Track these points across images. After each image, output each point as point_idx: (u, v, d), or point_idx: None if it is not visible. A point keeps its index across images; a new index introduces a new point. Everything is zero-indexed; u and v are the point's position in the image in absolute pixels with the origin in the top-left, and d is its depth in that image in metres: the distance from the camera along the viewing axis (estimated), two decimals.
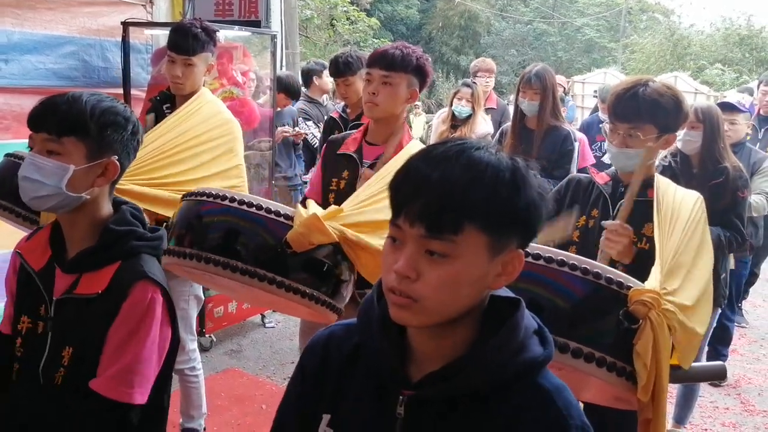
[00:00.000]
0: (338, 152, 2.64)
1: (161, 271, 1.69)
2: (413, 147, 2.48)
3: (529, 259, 1.81)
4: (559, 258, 1.79)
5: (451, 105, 5.07)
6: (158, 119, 3.06)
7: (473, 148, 1.02)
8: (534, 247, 1.84)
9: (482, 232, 1.00)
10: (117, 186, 2.48)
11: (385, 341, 1.10)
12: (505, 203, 1.00)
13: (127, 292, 1.57)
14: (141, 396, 1.58)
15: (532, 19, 28.63)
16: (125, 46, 4.26)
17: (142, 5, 4.52)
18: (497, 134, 4.32)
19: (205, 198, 2.20)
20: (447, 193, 0.98)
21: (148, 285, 1.60)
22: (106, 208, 1.67)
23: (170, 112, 3.02)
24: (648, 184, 2.20)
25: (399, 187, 1.03)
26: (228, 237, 2.14)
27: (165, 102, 3.10)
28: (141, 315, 1.58)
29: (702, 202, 2.21)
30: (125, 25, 4.24)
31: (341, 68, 4.02)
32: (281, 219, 2.10)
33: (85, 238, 1.63)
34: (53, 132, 1.55)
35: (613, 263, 2.16)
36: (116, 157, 1.61)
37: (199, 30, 2.94)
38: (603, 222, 2.20)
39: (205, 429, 3.34)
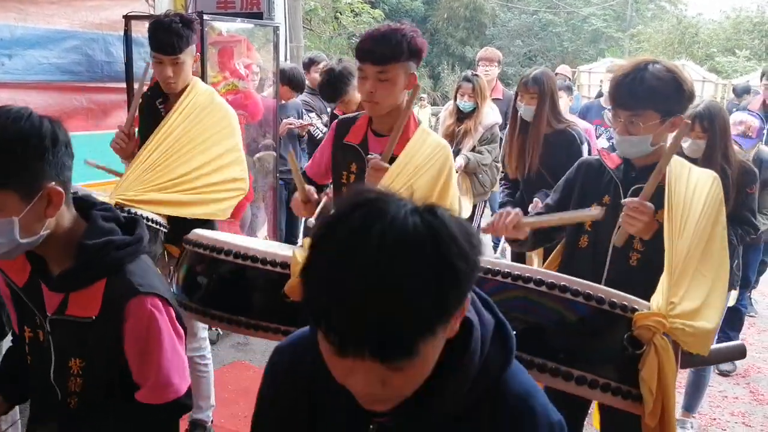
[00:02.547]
0: (345, 140, 2.55)
1: (148, 269, 1.60)
2: (420, 138, 2.40)
3: (531, 285, 1.81)
4: (561, 284, 1.79)
5: (455, 99, 5.06)
6: (152, 115, 3.07)
7: (378, 225, 0.89)
8: (536, 271, 1.85)
9: (437, 331, 0.92)
10: (137, 197, 2.55)
11: None
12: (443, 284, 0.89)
13: (124, 315, 1.51)
14: (185, 383, 1.62)
15: (538, 9, 28.44)
16: (128, 40, 4.24)
17: None
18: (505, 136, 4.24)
19: (202, 251, 2.12)
20: (389, 319, 0.86)
21: (142, 299, 1.52)
22: (73, 223, 1.53)
23: (163, 107, 3.04)
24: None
25: (322, 305, 0.91)
26: (231, 290, 2.09)
27: (157, 97, 3.10)
28: (147, 332, 1.54)
29: (719, 182, 2.15)
30: (127, 18, 4.23)
31: (336, 92, 4.12)
32: (277, 269, 2.00)
33: (63, 256, 1.52)
34: None
35: (632, 239, 2.14)
36: (53, 182, 1.42)
37: (180, 26, 2.90)
38: (624, 200, 2.13)
39: (212, 421, 3.35)
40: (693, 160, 3.22)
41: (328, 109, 5.38)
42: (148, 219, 2.70)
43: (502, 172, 4.29)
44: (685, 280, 1.90)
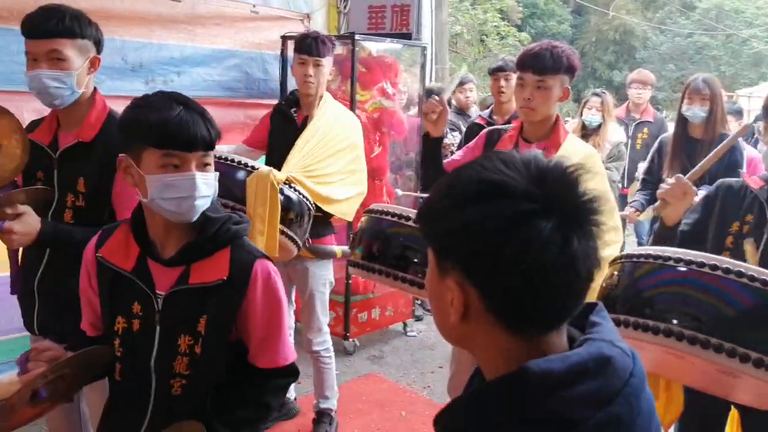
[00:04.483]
0: (496, 148, 2.64)
1: (252, 244, 1.80)
2: (571, 145, 2.52)
3: (706, 269, 1.72)
4: (737, 269, 1.67)
5: (581, 115, 4.97)
6: (288, 121, 3.36)
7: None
8: (710, 257, 1.74)
9: None
10: (301, 179, 3.04)
11: None
12: None
13: (252, 275, 1.67)
14: (293, 354, 1.79)
15: (693, 32, 27.07)
16: (284, 59, 4.48)
17: (300, 20, 4.73)
18: (656, 144, 4.13)
19: (384, 216, 2.22)
20: None
21: (264, 262, 1.71)
22: None
23: (297, 115, 3.34)
24: None
25: None
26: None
27: (292, 106, 3.39)
28: (272, 290, 1.71)
29: None
30: (284, 38, 4.47)
31: (507, 66, 4.30)
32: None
33: (185, 229, 1.67)
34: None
35: None
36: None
37: (324, 37, 3.28)
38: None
39: (335, 411, 3.52)
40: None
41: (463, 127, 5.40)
42: (308, 199, 3.01)
43: (644, 177, 4.23)
44: None
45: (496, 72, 4.38)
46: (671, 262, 1.77)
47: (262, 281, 1.69)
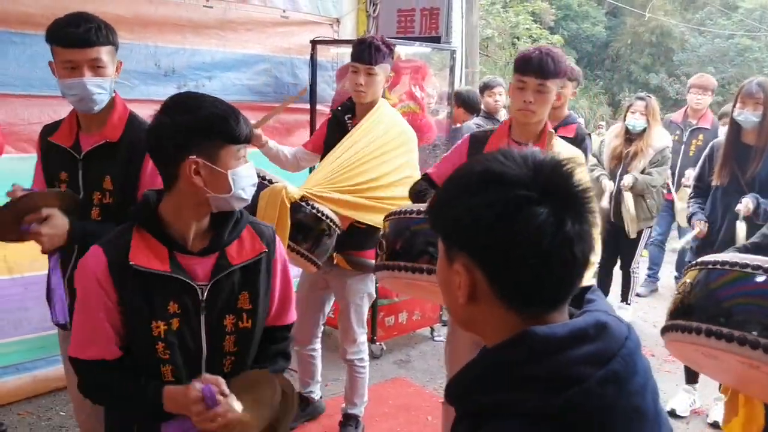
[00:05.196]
0: (485, 151, 2.64)
1: None
2: (558, 145, 2.62)
3: None
4: None
5: (625, 119, 4.89)
6: (340, 128, 3.26)
7: None
8: None
9: None
10: (322, 194, 2.98)
11: None
12: None
13: (275, 246, 1.89)
14: (294, 314, 2.03)
15: (735, 33, 26.52)
16: (313, 64, 4.52)
17: (329, 24, 4.77)
18: (707, 149, 4.01)
19: (404, 215, 2.34)
20: None
21: (275, 233, 1.93)
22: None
23: (350, 122, 3.23)
24: None
25: None
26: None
27: (347, 112, 3.30)
28: (283, 254, 1.94)
29: None
30: (314, 43, 4.50)
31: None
32: None
33: (207, 220, 1.78)
34: None
35: None
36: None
37: (380, 43, 3.12)
38: None
39: (362, 417, 3.54)
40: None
41: None
42: (327, 216, 2.95)
43: (696, 184, 4.06)
44: None
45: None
46: (749, 270, 1.76)
47: (279, 247, 1.91)
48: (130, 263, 1.67)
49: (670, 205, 5.74)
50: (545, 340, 0.93)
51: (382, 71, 3.15)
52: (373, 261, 3.24)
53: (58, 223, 2.14)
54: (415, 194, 2.77)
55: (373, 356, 4.59)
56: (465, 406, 1.03)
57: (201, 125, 1.65)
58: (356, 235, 3.11)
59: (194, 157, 1.65)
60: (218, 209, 1.76)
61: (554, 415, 0.90)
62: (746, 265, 1.76)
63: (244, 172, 1.73)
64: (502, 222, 0.94)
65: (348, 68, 3.29)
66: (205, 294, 1.75)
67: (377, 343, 4.62)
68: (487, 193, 0.96)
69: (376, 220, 3.02)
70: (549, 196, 0.94)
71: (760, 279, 1.73)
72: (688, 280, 1.88)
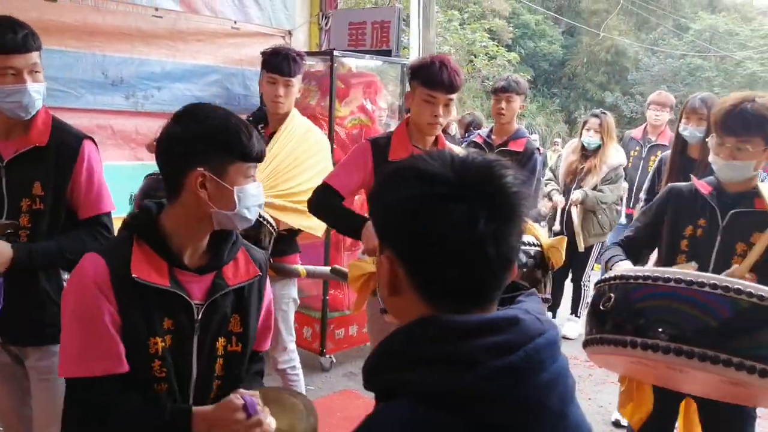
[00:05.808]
0: (391, 159, 2.72)
1: None
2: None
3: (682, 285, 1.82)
4: (712, 282, 1.78)
5: (581, 135, 4.98)
6: None
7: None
8: (687, 273, 1.85)
9: None
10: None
11: None
12: None
13: (266, 273, 1.85)
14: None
15: (686, 53, 27.28)
16: None
17: (281, 36, 4.77)
18: (656, 162, 4.10)
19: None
20: None
21: (268, 260, 1.93)
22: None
23: (264, 131, 3.28)
24: (752, 194, 2.35)
25: None
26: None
27: (259, 122, 3.34)
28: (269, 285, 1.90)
29: None
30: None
31: (510, 87, 4.19)
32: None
33: (206, 238, 1.73)
34: None
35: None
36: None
37: (296, 55, 3.22)
38: (725, 273, 2.13)
39: None
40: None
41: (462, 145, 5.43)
42: (265, 219, 2.93)
43: (646, 197, 4.09)
44: None
45: (498, 92, 4.18)
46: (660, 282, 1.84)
47: (267, 276, 1.88)
48: (132, 276, 1.59)
49: (630, 218, 5.84)
50: (451, 325, 0.94)
51: (298, 82, 3.25)
52: (297, 266, 3.27)
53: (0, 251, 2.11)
54: (323, 207, 2.74)
55: (322, 369, 4.58)
56: (372, 387, 1.04)
57: (212, 137, 1.59)
58: (279, 242, 3.10)
59: (202, 169, 1.59)
60: (220, 226, 1.69)
61: (443, 395, 0.91)
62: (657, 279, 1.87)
63: (251, 191, 1.67)
64: (418, 217, 0.96)
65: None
66: (200, 313, 1.69)
67: (327, 356, 4.60)
68: (409, 189, 0.98)
69: (300, 222, 3.15)
70: (467, 195, 0.95)
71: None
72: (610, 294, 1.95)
